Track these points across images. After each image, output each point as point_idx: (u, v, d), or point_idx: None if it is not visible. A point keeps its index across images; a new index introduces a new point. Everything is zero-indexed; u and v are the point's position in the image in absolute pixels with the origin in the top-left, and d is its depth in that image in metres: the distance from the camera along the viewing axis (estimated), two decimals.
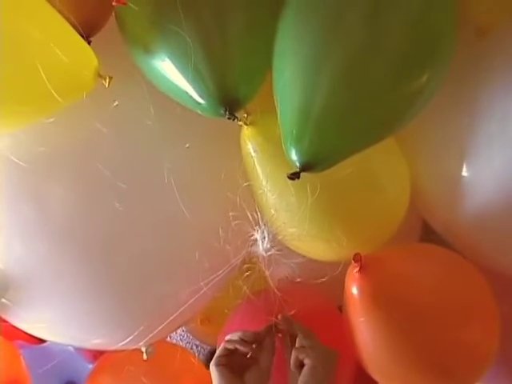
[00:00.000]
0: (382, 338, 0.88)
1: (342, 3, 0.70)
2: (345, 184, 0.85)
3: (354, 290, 0.85)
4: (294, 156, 0.69)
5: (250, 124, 0.82)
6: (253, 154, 0.84)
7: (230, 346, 0.88)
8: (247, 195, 0.88)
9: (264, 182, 0.84)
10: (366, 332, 0.89)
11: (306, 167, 0.69)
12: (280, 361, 0.93)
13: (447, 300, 0.88)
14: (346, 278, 0.87)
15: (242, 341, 0.89)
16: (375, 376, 0.96)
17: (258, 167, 0.84)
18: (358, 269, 0.84)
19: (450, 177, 0.93)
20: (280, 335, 0.94)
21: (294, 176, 0.70)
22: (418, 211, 1.07)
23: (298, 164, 0.69)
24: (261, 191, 0.86)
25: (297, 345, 0.90)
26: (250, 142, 0.83)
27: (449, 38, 0.74)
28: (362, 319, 0.87)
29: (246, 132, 0.83)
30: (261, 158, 0.83)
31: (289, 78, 0.71)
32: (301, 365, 0.88)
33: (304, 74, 0.70)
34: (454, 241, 1.02)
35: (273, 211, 0.84)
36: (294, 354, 0.89)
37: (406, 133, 0.89)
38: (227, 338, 0.90)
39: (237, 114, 0.74)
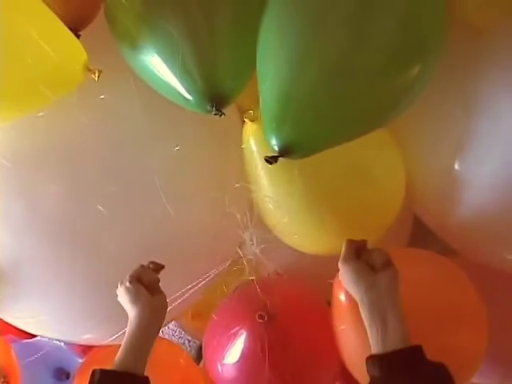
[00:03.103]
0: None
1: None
2: (339, 177, 0.86)
3: (342, 297, 0.86)
4: (273, 140, 0.69)
5: (254, 120, 0.82)
6: (254, 150, 0.84)
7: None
8: (236, 196, 0.88)
9: (263, 176, 0.84)
10: (350, 338, 0.89)
11: (284, 152, 0.69)
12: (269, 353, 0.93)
13: (436, 305, 0.88)
14: (334, 285, 0.87)
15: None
16: (359, 378, 0.95)
17: (259, 162, 0.85)
18: None
19: (444, 171, 0.93)
20: (261, 321, 0.93)
21: (271, 159, 0.70)
22: (410, 206, 1.07)
23: (276, 148, 0.69)
24: (259, 185, 0.86)
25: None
26: (252, 137, 0.84)
27: (439, 32, 0.74)
28: (343, 327, 0.87)
29: (250, 128, 0.83)
30: (263, 154, 0.83)
31: (272, 64, 0.71)
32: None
33: (288, 61, 0.70)
34: (447, 236, 1.02)
35: (271, 206, 0.84)
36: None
37: (401, 126, 0.90)
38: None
39: (224, 110, 0.74)
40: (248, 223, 0.83)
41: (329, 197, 0.87)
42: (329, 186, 0.86)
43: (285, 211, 0.86)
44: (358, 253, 0.81)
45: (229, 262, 0.87)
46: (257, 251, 0.83)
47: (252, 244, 0.83)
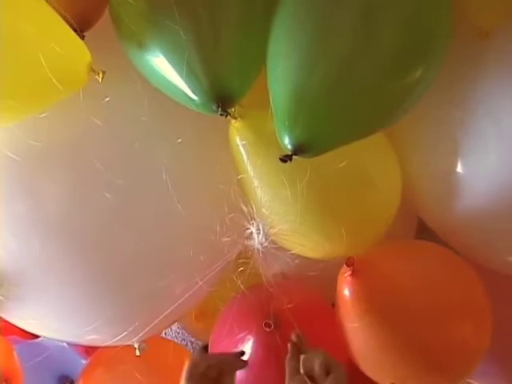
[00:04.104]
0: (375, 340, 0.89)
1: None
2: (336, 181, 0.85)
3: (346, 293, 0.86)
4: (286, 139, 0.69)
5: (239, 117, 0.81)
6: (241, 148, 0.83)
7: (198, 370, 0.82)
8: (242, 189, 0.88)
9: (253, 176, 0.84)
10: (358, 334, 0.90)
11: (299, 150, 0.69)
12: (275, 360, 0.93)
13: (439, 298, 0.89)
14: (338, 281, 0.88)
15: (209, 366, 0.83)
16: (368, 373, 0.96)
17: (246, 161, 0.84)
18: (350, 273, 0.84)
19: (444, 173, 0.93)
20: (268, 329, 0.93)
21: (286, 158, 0.70)
22: (413, 210, 1.07)
23: (290, 147, 0.69)
24: (251, 185, 0.86)
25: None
26: (238, 135, 0.83)
27: (444, 36, 0.75)
28: (354, 324, 0.87)
29: (235, 125, 0.82)
30: (249, 152, 0.83)
31: (283, 63, 0.72)
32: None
33: (299, 60, 0.70)
34: (448, 238, 1.02)
35: (263, 207, 0.84)
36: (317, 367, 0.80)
37: (400, 130, 0.90)
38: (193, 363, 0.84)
39: (229, 111, 0.74)
40: (254, 215, 0.83)
41: (326, 200, 0.86)
42: (326, 189, 0.86)
43: (279, 212, 0.85)
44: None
45: (236, 253, 0.87)
46: (263, 240, 0.83)
47: (259, 234, 0.82)
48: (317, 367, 0.78)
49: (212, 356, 0.86)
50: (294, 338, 0.88)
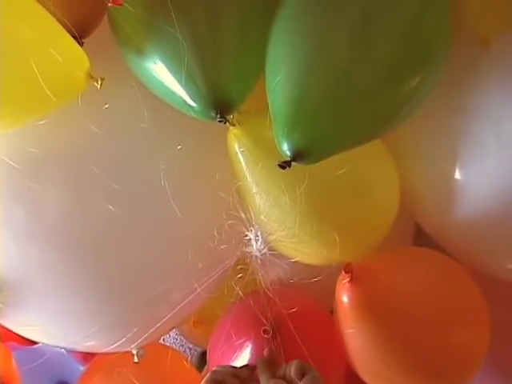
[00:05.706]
0: (373, 347, 0.89)
1: (336, 7, 0.71)
2: (334, 188, 0.85)
3: (345, 300, 0.86)
4: (284, 145, 0.69)
5: (237, 124, 0.81)
6: (240, 155, 0.83)
7: (219, 377, 0.86)
8: (240, 195, 0.88)
9: (251, 182, 0.84)
10: (356, 341, 0.90)
11: (297, 156, 0.69)
12: None
13: (438, 305, 0.89)
14: (337, 287, 0.88)
15: (232, 375, 0.87)
16: (367, 380, 0.96)
17: (245, 168, 0.84)
18: (348, 279, 0.84)
19: (442, 180, 0.93)
20: (266, 336, 0.93)
21: (284, 164, 0.70)
22: (411, 216, 1.07)
23: (288, 153, 0.69)
24: (249, 191, 0.86)
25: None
26: (236, 142, 0.83)
27: (442, 43, 0.75)
28: (352, 330, 0.87)
29: (233, 132, 0.82)
30: (248, 158, 0.83)
31: (282, 69, 0.72)
32: None
33: (298, 66, 0.70)
34: (446, 245, 1.02)
35: (262, 214, 0.84)
36: None
37: (398, 136, 0.90)
38: (215, 368, 0.88)
39: (228, 118, 0.74)
40: (252, 221, 0.83)
41: (324, 207, 0.86)
42: (324, 196, 0.86)
43: (277, 219, 0.85)
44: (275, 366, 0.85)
45: (234, 259, 0.87)
46: (261, 247, 0.83)
47: (258, 241, 0.82)
48: (292, 370, 0.81)
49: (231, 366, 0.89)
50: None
